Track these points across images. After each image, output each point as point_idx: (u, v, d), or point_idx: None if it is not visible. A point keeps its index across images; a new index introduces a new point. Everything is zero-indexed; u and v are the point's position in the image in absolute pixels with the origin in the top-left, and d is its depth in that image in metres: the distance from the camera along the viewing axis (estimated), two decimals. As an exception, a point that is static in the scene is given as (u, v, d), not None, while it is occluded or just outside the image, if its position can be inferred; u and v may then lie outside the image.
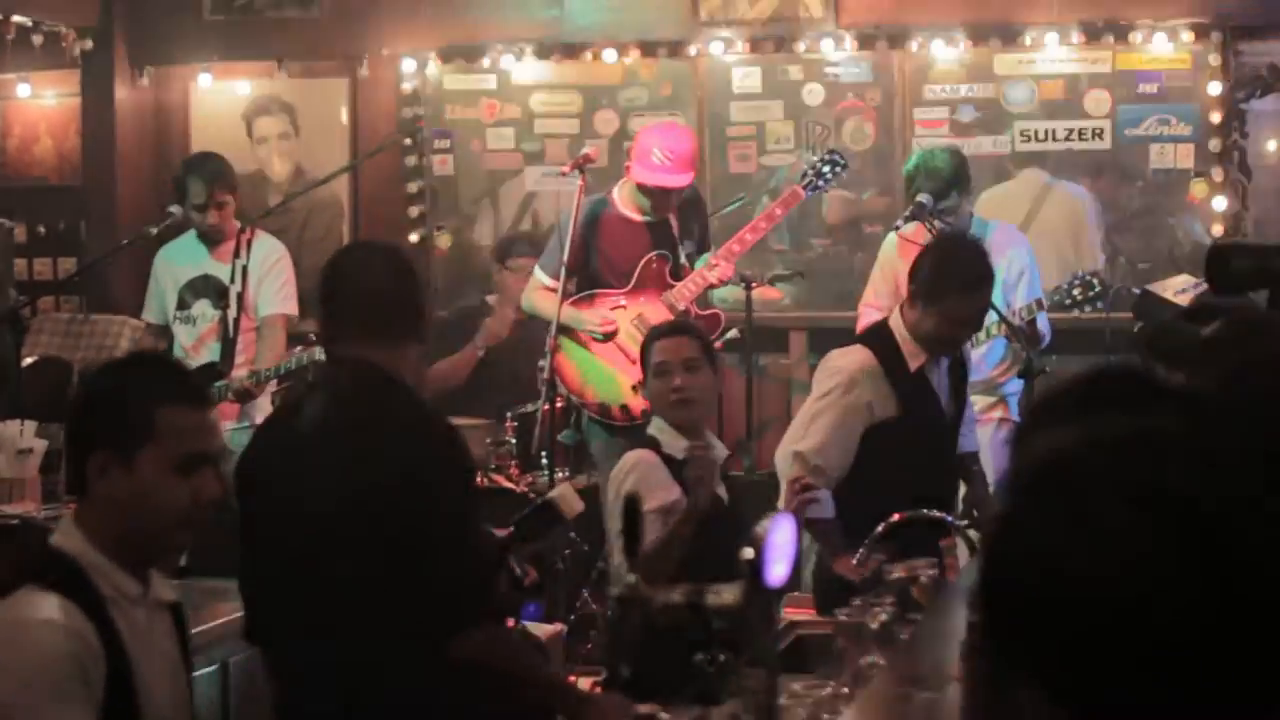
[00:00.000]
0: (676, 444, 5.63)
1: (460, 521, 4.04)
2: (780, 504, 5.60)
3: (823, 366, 6.10)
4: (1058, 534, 1.49)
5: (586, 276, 7.87)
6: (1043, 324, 7.61)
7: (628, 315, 7.80)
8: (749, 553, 2.88)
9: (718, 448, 5.83)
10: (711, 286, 7.96)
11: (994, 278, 6.04)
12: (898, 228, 7.72)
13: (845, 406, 5.86)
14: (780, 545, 2.86)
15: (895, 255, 7.84)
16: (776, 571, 2.87)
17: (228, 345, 7.64)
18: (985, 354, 7.63)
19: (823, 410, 5.90)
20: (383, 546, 3.86)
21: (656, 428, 5.76)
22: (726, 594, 2.95)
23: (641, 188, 7.75)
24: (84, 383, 3.62)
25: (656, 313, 7.74)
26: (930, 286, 5.79)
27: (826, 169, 8.02)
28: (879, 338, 6.06)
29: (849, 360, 5.96)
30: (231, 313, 7.56)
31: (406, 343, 4.29)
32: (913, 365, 5.91)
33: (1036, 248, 8.07)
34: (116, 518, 3.33)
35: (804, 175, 8.09)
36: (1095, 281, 7.39)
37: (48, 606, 3.20)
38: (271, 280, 8.11)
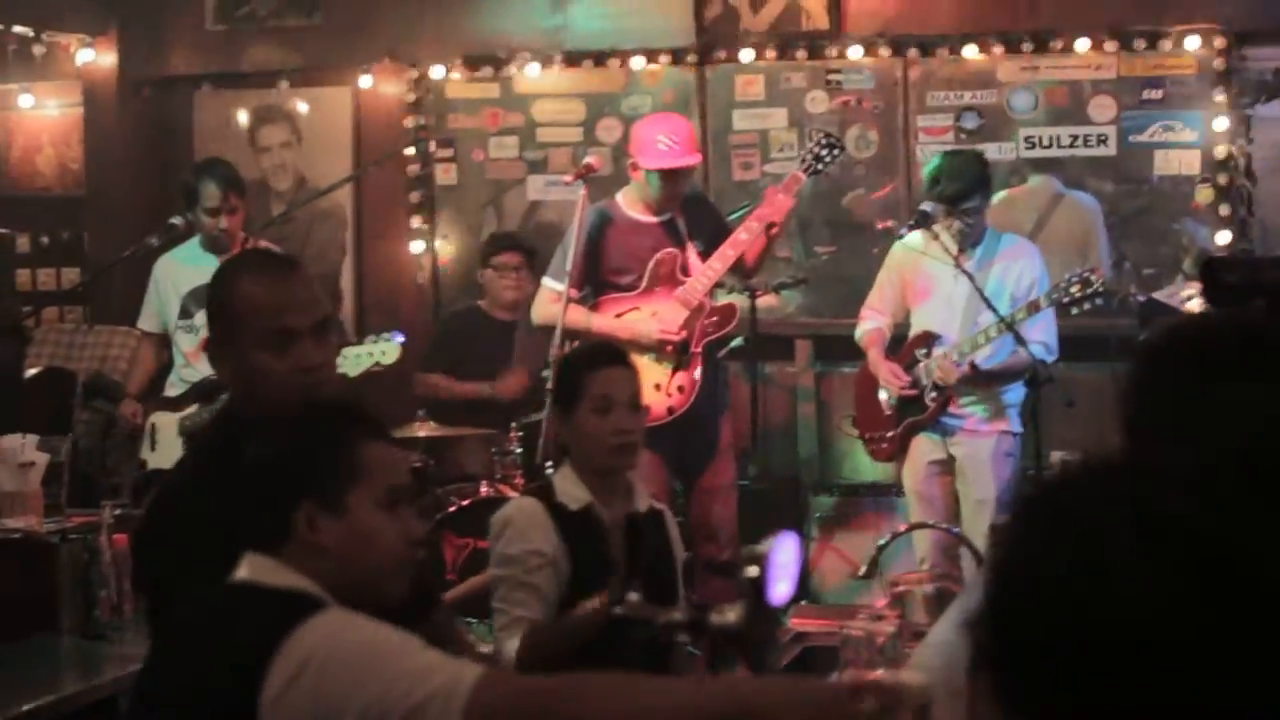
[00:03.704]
0: (577, 496, 4.77)
1: None
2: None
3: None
4: (1061, 560, 1.49)
5: (595, 284, 7.83)
6: (1038, 333, 7.50)
7: (642, 316, 7.76)
8: (753, 571, 2.86)
9: (644, 499, 4.97)
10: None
11: None
12: (901, 236, 7.70)
13: None
14: (784, 564, 2.84)
15: (903, 264, 7.82)
16: (780, 590, 2.85)
17: None
18: (988, 358, 7.57)
19: None
20: None
21: (562, 475, 4.86)
22: (730, 613, 2.93)
23: (652, 177, 7.70)
24: (269, 434, 3.36)
25: (672, 310, 7.72)
26: None
27: (824, 152, 7.96)
28: None
29: None
30: None
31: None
32: None
33: (1045, 260, 8.02)
34: (330, 568, 3.19)
35: (802, 160, 8.01)
36: (1093, 278, 7.31)
37: None
38: None
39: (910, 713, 2.73)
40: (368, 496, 3.24)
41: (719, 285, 8.31)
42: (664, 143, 7.68)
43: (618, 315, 7.78)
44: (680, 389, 7.69)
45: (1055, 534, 1.52)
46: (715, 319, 7.78)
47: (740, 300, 8.40)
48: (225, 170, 8.32)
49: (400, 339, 7.85)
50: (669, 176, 7.68)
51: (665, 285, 7.78)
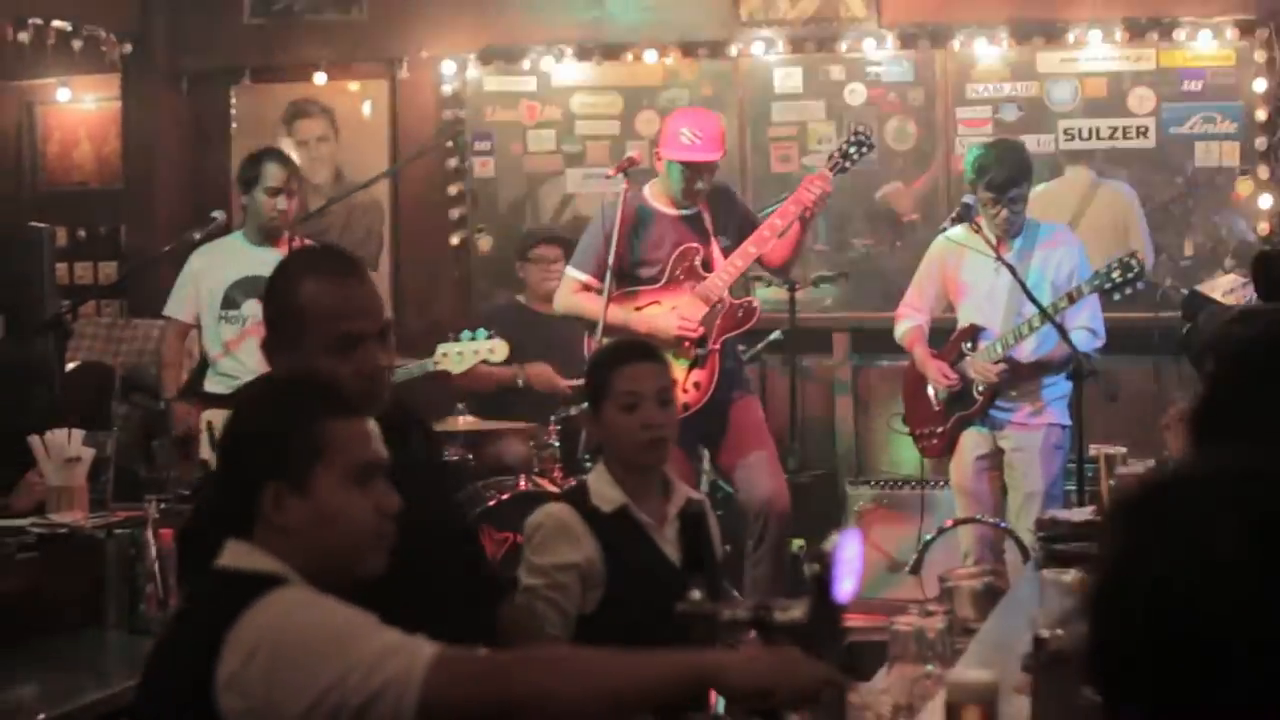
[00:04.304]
0: (611, 497, 4.75)
1: None
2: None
3: None
4: (1172, 560, 1.49)
5: (620, 274, 7.81)
6: (1084, 319, 7.48)
7: (662, 310, 7.74)
8: (815, 568, 2.85)
9: (681, 493, 4.91)
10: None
11: None
12: (944, 229, 7.67)
13: None
14: (848, 561, 2.83)
15: (945, 258, 7.80)
16: (845, 587, 2.84)
17: None
18: (1034, 349, 7.56)
19: None
20: None
21: (597, 475, 4.85)
22: (794, 610, 2.92)
23: (673, 168, 7.69)
24: (236, 417, 3.38)
25: (691, 305, 7.69)
26: None
27: (853, 150, 7.92)
28: None
29: None
30: None
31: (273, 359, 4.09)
32: None
33: (1084, 246, 7.99)
34: (299, 548, 3.20)
35: (830, 158, 7.97)
36: (1134, 262, 7.28)
37: None
38: None
39: (979, 709, 2.73)
40: (334, 473, 3.22)
41: (757, 279, 8.30)
42: (687, 136, 7.66)
43: (638, 309, 7.75)
44: (696, 385, 7.65)
45: (1165, 534, 1.52)
46: (734, 316, 7.75)
47: (779, 294, 8.41)
48: (285, 155, 8.35)
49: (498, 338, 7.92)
50: (689, 170, 7.66)
51: (686, 280, 7.75)
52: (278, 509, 3.19)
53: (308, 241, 8.00)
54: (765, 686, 2.90)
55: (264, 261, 8.03)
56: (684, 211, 7.78)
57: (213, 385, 8.17)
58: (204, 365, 8.34)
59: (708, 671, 2.97)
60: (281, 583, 3.09)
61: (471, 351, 7.99)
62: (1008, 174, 7.47)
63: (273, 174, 8.10)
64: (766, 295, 8.71)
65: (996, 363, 7.53)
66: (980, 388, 7.60)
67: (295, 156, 10.14)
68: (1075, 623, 1.62)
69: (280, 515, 3.19)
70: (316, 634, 2.97)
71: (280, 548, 3.19)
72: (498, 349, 8.04)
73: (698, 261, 7.75)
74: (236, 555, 3.22)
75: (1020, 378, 7.56)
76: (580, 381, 7.93)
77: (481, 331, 8.09)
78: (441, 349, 7.94)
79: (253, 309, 8.06)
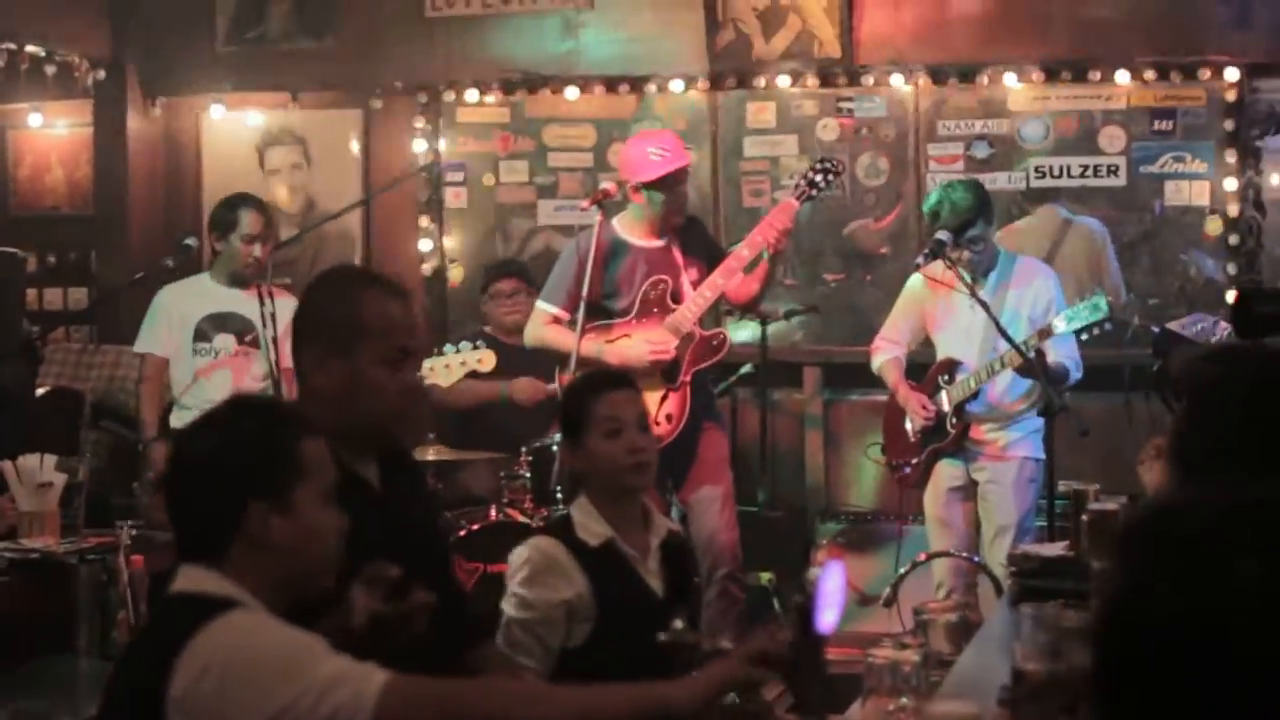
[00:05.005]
0: (597, 530, 4.72)
1: None
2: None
3: None
4: (1188, 592, 1.49)
5: (591, 307, 7.80)
6: (1064, 352, 7.51)
7: (633, 342, 7.74)
8: (798, 599, 2.86)
9: (662, 525, 4.89)
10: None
11: None
12: (918, 265, 7.69)
13: None
14: (831, 592, 2.85)
15: (923, 294, 7.82)
16: (827, 619, 2.85)
17: (277, 388, 7.62)
18: (1008, 385, 7.59)
19: None
20: None
21: (580, 508, 4.81)
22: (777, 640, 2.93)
23: (653, 192, 7.70)
24: (210, 438, 3.37)
25: (661, 337, 7.69)
26: None
27: (818, 178, 7.90)
28: None
29: None
30: (271, 354, 7.53)
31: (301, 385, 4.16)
32: None
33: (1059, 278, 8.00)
34: (274, 566, 3.22)
35: (796, 187, 7.92)
36: (1103, 303, 7.30)
37: None
38: None
39: None
40: (312, 493, 3.26)
41: (728, 313, 8.29)
42: (655, 154, 7.68)
43: (609, 341, 7.75)
44: (669, 418, 7.65)
45: (1179, 564, 1.52)
46: (705, 347, 7.75)
47: (751, 327, 8.42)
48: (261, 202, 8.33)
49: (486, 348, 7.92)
50: (670, 184, 7.68)
51: (656, 312, 7.76)
52: (264, 528, 3.20)
53: (277, 288, 7.92)
54: (709, 699, 2.93)
55: (235, 299, 8.06)
56: (653, 244, 7.79)
57: (179, 422, 8.14)
58: (172, 405, 8.30)
59: (656, 703, 2.99)
60: (234, 606, 3.10)
61: (459, 363, 7.98)
62: (962, 218, 7.47)
63: (249, 221, 8.09)
64: (738, 328, 8.71)
65: (969, 396, 7.56)
66: (953, 421, 7.63)
67: (267, 185, 10.19)
68: (1065, 653, 1.63)
69: (264, 534, 3.20)
70: (268, 657, 2.99)
71: (249, 566, 3.20)
72: (486, 359, 8.04)
73: (667, 293, 7.75)
74: (190, 580, 3.22)
75: (1035, 377, 7.44)
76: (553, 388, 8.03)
77: (465, 344, 8.09)
78: (428, 363, 7.89)
79: (224, 343, 8.07)
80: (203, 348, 8.09)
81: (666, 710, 2.99)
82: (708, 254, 7.87)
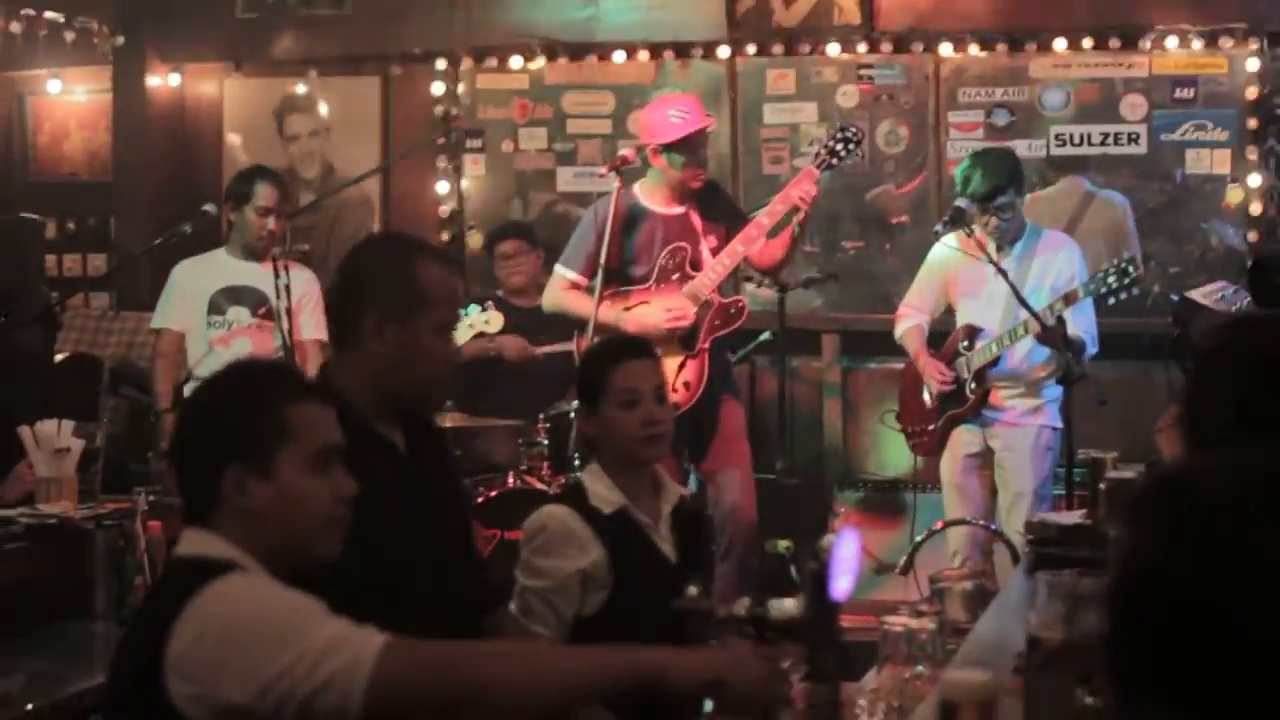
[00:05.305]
0: (610, 498, 4.69)
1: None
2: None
3: None
4: (1202, 558, 1.49)
5: (608, 275, 7.80)
6: (1082, 325, 7.49)
7: (651, 310, 7.74)
8: (813, 565, 2.85)
9: (673, 491, 4.87)
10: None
11: None
12: (938, 233, 7.66)
13: None
14: (845, 559, 2.83)
15: (946, 261, 7.78)
16: (841, 585, 2.84)
17: (291, 360, 7.63)
18: (1028, 352, 7.58)
19: None
20: None
21: (592, 475, 4.78)
22: (790, 607, 2.92)
23: (674, 155, 7.69)
24: (196, 400, 3.41)
25: (680, 305, 7.69)
26: None
27: (839, 146, 7.88)
28: None
29: None
30: (284, 326, 7.54)
31: (341, 349, 4.25)
32: None
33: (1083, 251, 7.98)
34: (262, 531, 3.21)
35: (816, 155, 7.94)
36: (1130, 267, 7.25)
37: None
38: (314, 308, 8.07)
39: (975, 709, 2.72)
40: (297, 458, 3.24)
41: (747, 279, 8.29)
42: (676, 115, 7.68)
43: (627, 309, 7.75)
44: (686, 385, 7.65)
45: (1193, 531, 1.51)
46: (724, 314, 7.75)
47: (769, 295, 8.40)
48: (278, 176, 8.34)
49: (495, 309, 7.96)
50: (691, 146, 7.67)
51: (675, 279, 7.76)
52: (240, 492, 3.19)
53: (292, 261, 7.94)
54: (711, 684, 2.92)
55: (250, 272, 8.08)
56: (673, 210, 7.78)
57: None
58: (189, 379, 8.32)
59: (655, 668, 2.98)
60: (234, 568, 3.09)
61: (466, 325, 8.00)
62: (992, 184, 7.45)
63: (264, 194, 8.09)
64: (756, 296, 8.69)
65: (989, 363, 7.55)
66: (972, 387, 7.61)
67: (286, 151, 10.18)
68: (1081, 621, 1.62)
69: (243, 498, 3.19)
70: (265, 621, 2.98)
71: (240, 532, 3.19)
72: (493, 319, 8.06)
73: (686, 260, 7.74)
74: (192, 543, 3.23)
75: (1057, 347, 7.41)
76: (552, 349, 8.05)
77: (474, 306, 8.11)
78: None
79: (238, 315, 8.09)
80: (216, 320, 8.11)
81: (664, 677, 2.98)
82: (728, 220, 7.87)
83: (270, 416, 3.24)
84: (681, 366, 7.65)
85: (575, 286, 7.81)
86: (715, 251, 7.74)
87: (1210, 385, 2.72)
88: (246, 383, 3.37)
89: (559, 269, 7.94)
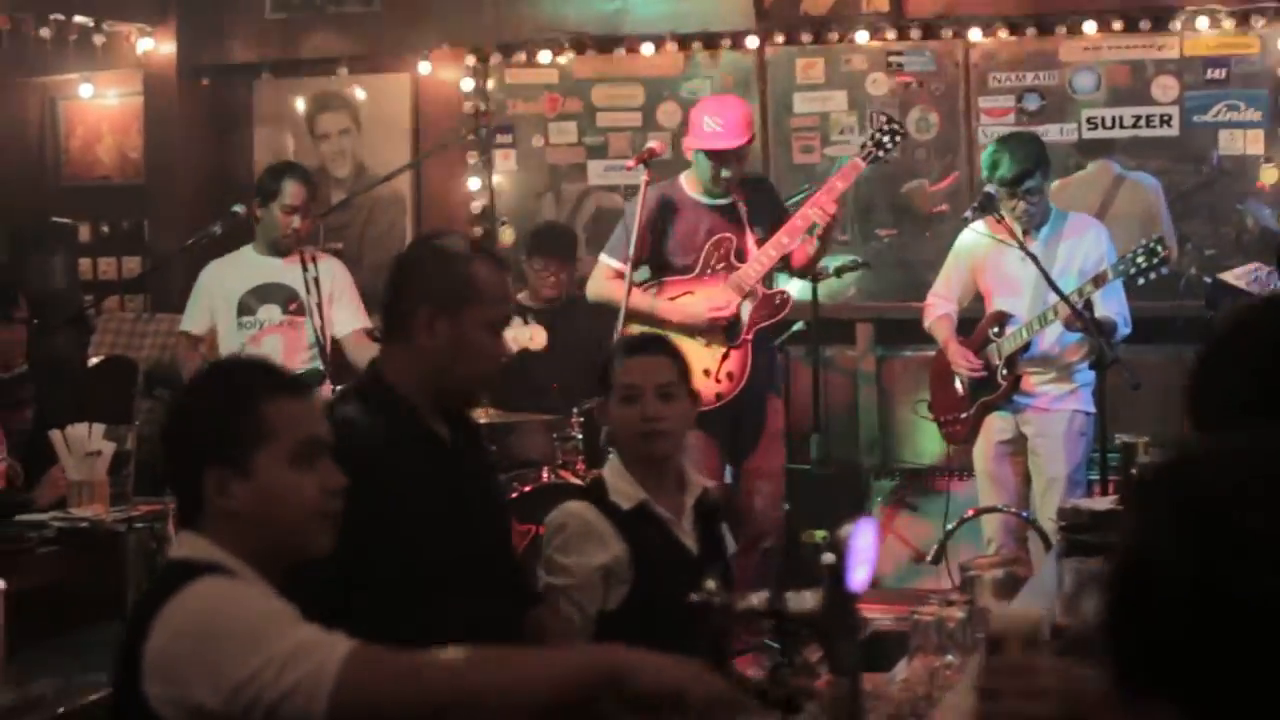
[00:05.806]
0: (629, 493, 4.66)
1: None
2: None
3: None
4: (1197, 541, 1.48)
5: (655, 264, 7.81)
6: (1113, 307, 7.45)
7: (695, 300, 7.73)
8: (830, 557, 2.83)
9: (697, 485, 4.83)
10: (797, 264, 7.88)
11: None
12: (968, 219, 7.63)
13: None
14: (863, 549, 2.81)
15: (974, 248, 7.75)
16: (859, 576, 2.82)
17: (323, 354, 7.64)
18: (1059, 336, 7.54)
19: None
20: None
21: (612, 470, 4.77)
22: (809, 599, 2.90)
23: (699, 157, 7.70)
24: (177, 404, 3.42)
25: (724, 295, 7.68)
26: None
27: (885, 138, 7.88)
28: None
29: None
30: (315, 321, 7.55)
31: (392, 343, 4.33)
32: None
33: (1111, 233, 7.94)
34: (246, 531, 3.20)
35: (863, 147, 7.93)
36: (1159, 247, 7.21)
37: None
38: (349, 297, 8.09)
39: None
40: (277, 455, 3.22)
41: (780, 272, 8.27)
42: (710, 124, 7.65)
43: (671, 299, 7.74)
44: (730, 375, 7.65)
45: (1189, 513, 1.51)
46: (769, 305, 7.74)
47: (803, 284, 8.38)
48: (307, 173, 8.31)
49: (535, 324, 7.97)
50: (715, 158, 7.65)
51: (720, 270, 7.74)
52: (222, 493, 3.18)
53: (324, 255, 7.96)
54: (672, 692, 2.91)
55: (276, 269, 8.08)
56: (718, 201, 7.77)
57: None
58: None
59: (621, 668, 2.96)
60: (215, 570, 3.09)
61: (511, 339, 8.00)
62: (1019, 168, 7.41)
63: (292, 191, 8.08)
64: (790, 286, 8.67)
65: (1020, 348, 7.53)
66: (1003, 373, 7.58)
67: (317, 150, 10.19)
68: (1091, 605, 1.61)
69: (225, 499, 3.18)
70: (236, 625, 2.98)
71: (225, 533, 3.19)
72: (537, 335, 8.06)
73: (731, 251, 7.74)
74: (182, 546, 3.24)
75: (1088, 331, 7.37)
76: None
77: (516, 319, 8.11)
78: None
79: (268, 314, 8.08)
80: (247, 321, 8.11)
81: (629, 679, 2.95)
82: (773, 215, 7.85)
83: (247, 416, 3.22)
84: (725, 357, 7.66)
85: (619, 276, 7.79)
86: (760, 244, 7.73)
87: (1223, 365, 2.69)
88: (223, 383, 3.36)
89: (603, 258, 7.93)
